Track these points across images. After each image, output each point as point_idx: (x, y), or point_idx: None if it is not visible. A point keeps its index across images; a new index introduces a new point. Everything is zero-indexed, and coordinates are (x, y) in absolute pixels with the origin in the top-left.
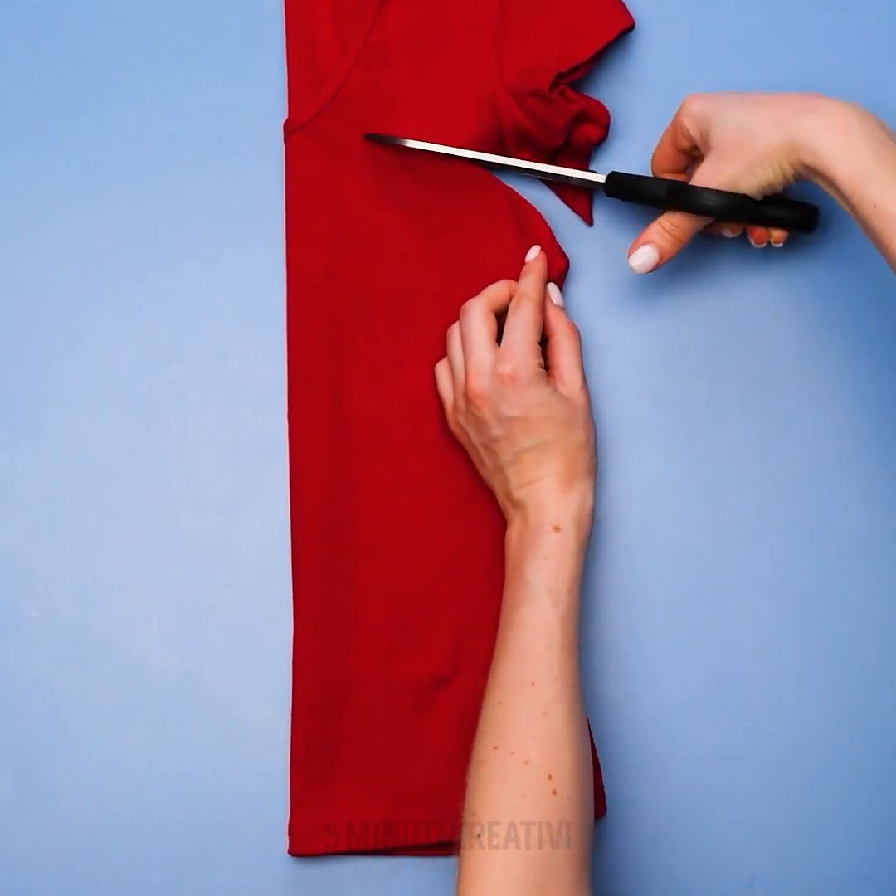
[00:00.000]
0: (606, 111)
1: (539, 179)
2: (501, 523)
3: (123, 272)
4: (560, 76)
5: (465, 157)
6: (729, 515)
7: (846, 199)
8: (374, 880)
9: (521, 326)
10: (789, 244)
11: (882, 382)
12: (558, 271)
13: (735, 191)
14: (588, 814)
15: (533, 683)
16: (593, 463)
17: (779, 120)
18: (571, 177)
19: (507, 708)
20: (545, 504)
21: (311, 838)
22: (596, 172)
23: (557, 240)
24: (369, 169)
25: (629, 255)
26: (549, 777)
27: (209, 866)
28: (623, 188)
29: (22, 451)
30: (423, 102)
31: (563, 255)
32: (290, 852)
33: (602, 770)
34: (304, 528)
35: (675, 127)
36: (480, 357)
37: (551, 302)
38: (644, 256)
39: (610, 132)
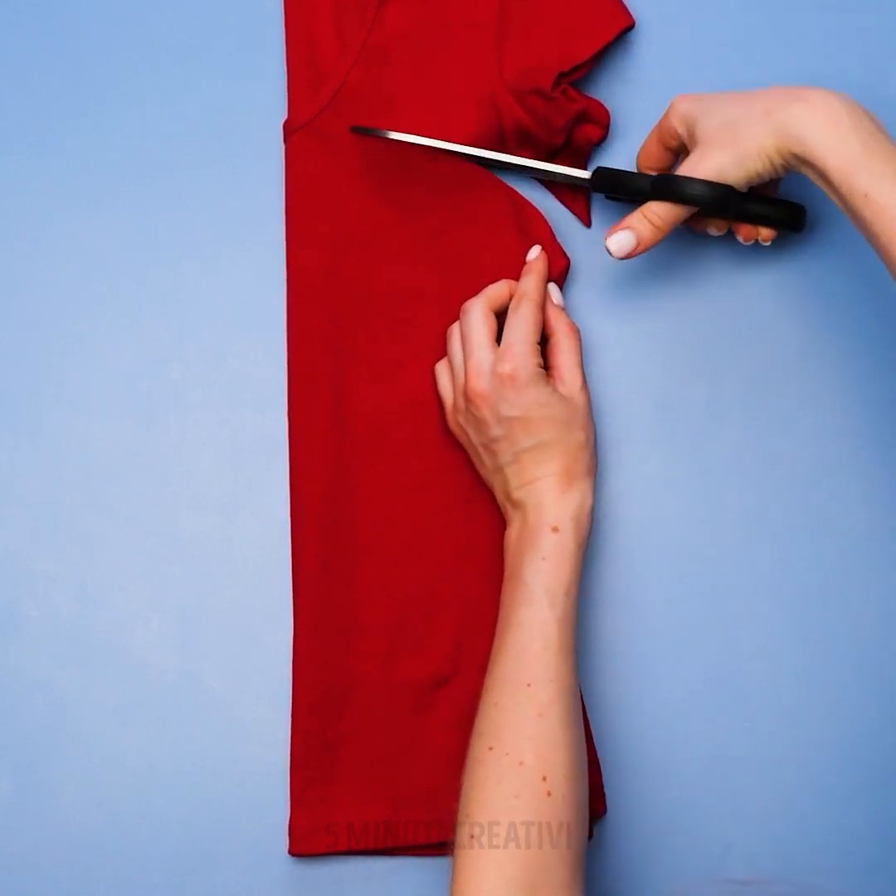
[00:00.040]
0: (606, 111)
1: (530, 177)
2: (501, 523)
3: (123, 272)
4: (562, 75)
5: (452, 151)
6: (729, 515)
7: (835, 189)
8: (374, 880)
9: (521, 326)
10: (788, 244)
11: (882, 382)
12: (559, 271)
13: (721, 181)
14: (582, 814)
15: (529, 684)
16: (593, 463)
17: (766, 110)
18: (557, 172)
19: (502, 709)
20: (544, 504)
21: (311, 838)
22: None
23: (558, 240)
24: (369, 169)
25: (607, 239)
26: (544, 779)
27: (209, 866)
28: (609, 182)
29: (22, 451)
30: (423, 102)
31: (564, 254)
32: (290, 852)
33: (602, 770)
34: (304, 528)
35: (663, 127)
36: (480, 357)
37: (552, 302)
38: (621, 241)
39: (610, 132)
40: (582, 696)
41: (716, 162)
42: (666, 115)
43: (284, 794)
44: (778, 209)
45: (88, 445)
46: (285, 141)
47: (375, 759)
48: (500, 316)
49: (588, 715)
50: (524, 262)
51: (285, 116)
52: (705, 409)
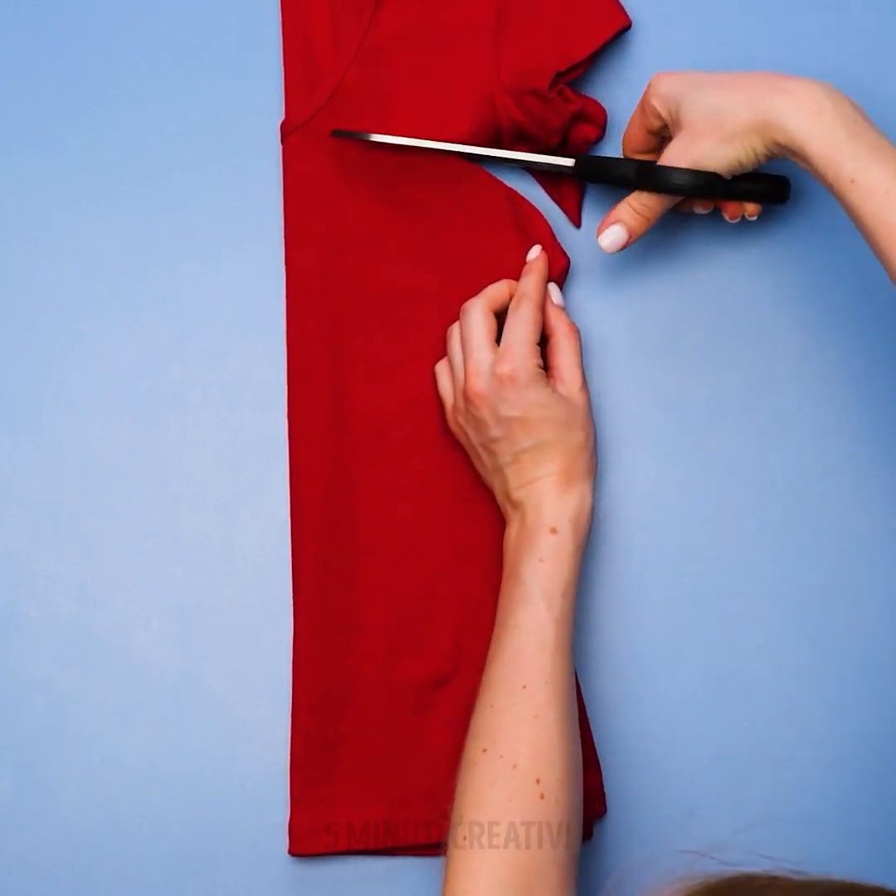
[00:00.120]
0: (604, 111)
1: (515, 167)
2: (501, 523)
3: (123, 272)
4: (559, 76)
5: (436, 149)
6: (729, 515)
7: (822, 176)
8: (374, 880)
9: (521, 326)
10: (788, 245)
11: (882, 382)
12: (559, 271)
13: (705, 169)
14: (576, 816)
15: (525, 686)
16: (593, 463)
17: (749, 100)
18: (542, 162)
19: (498, 710)
20: (543, 505)
21: (311, 838)
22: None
23: (558, 239)
24: (367, 169)
25: (598, 235)
26: (538, 781)
27: (209, 866)
28: (593, 170)
29: (22, 451)
30: (419, 102)
31: (564, 254)
32: (290, 852)
33: (602, 770)
34: (304, 528)
35: (644, 108)
36: (480, 357)
37: (552, 302)
38: (613, 236)
39: (607, 132)
40: (581, 696)
41: (699, 151)
42: (646, 94)
43: (284, 794)
44: (761, 184)
45: (88, 445)
46: (283, 141)
47: (375, 759)
48: (500, 316)
49: (588, 715)
50: (524, 262)
51: (283, 117)
52: (705, 408)
